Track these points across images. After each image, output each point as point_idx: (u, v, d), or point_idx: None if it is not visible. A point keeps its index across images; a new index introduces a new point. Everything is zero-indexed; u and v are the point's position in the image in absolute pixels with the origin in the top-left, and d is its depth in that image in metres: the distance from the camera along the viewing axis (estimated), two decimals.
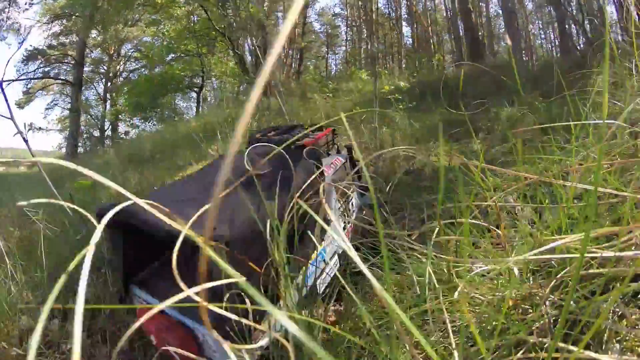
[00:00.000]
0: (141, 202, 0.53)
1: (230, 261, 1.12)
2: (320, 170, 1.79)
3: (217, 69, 18.57)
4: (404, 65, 21.34)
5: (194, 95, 22.05)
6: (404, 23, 24.67)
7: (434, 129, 5.87)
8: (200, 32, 15.49)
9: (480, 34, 17.42)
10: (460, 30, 16.43)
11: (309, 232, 1.46)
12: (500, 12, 18.54)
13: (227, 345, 0.61)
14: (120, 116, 20.98)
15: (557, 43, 18.08)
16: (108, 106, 21.05)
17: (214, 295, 1.05)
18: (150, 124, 19.72)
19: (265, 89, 11.53)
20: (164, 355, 1.33)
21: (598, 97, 1.86)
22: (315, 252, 1.60)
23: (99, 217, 1.41)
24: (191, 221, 0.90)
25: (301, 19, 20.16)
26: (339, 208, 2.04)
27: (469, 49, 13.92)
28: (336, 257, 1.88)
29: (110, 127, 21.68)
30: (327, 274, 1.76)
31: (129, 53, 20.98)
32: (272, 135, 2.25)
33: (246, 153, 1.74)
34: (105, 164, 7.56)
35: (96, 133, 21.54)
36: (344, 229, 2.07)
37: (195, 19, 15.69)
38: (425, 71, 13.58)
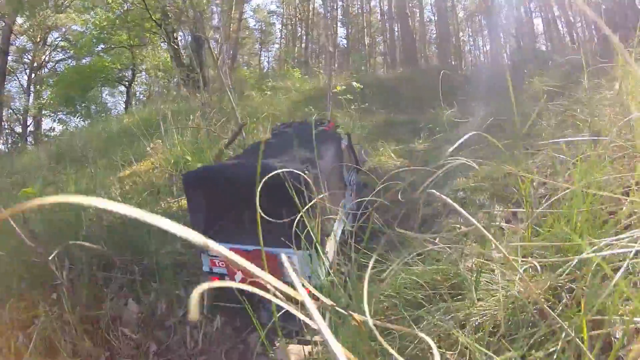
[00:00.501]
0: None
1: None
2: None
3: (152, 61, 17.56)
4: (336, 66, 21.66)
5: (122, 89, 20.67)
6: (339, 24, 25.07)
7: (378, 128, 6.04)
8: (133, 22, 14.51)
9: (414, 37, 18.21)
10: (396, 34, 17.06)
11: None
12: (433, 18, 19.54)
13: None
14: (44, 111, 19.07)
15: (485, 50, 19.44)
16: (31, 99, 19.01)
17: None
18: (77, 119, 18.13)
19: (204, 85, 11.12)
20: None
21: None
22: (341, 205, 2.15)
23: (186, 183, 1.91)
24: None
25: (237, 14, 19.77)
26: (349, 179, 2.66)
27: (403, 52, 14.50)
28: (351, 215, 2.38)
29: (33, 122, 19.63)
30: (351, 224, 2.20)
31: (56, 42, 19.11)
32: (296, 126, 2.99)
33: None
34: (33, 163, 6.94)
35: (18, 129, 19.43)
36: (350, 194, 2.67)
37: (129, 6, 14.62)
38: (362, 72, 13.91)
